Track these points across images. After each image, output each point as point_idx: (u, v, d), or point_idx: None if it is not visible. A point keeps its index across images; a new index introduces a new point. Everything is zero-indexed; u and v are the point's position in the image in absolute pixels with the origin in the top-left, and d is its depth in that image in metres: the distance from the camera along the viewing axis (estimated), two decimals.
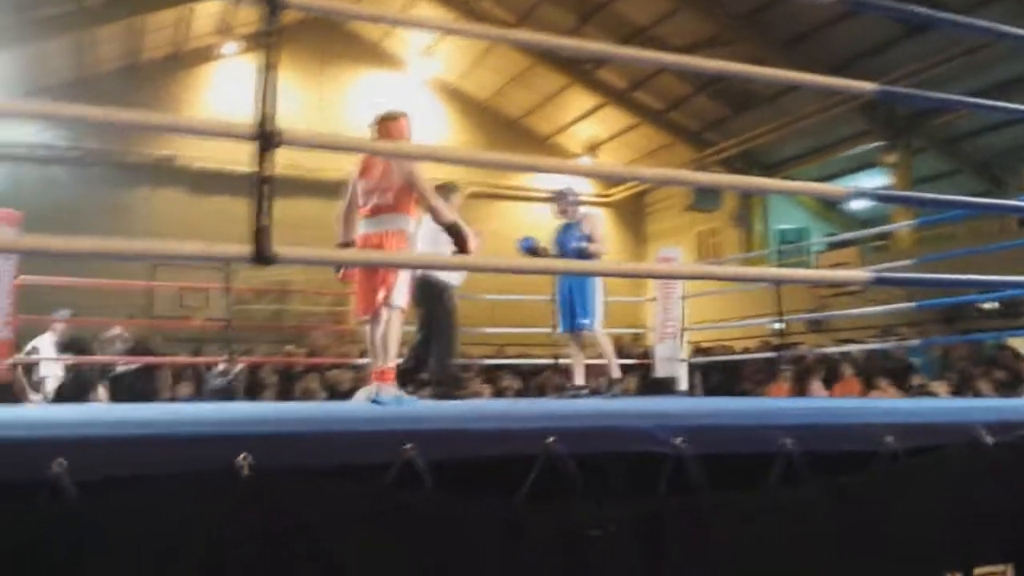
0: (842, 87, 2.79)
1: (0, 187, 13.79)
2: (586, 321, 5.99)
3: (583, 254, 5.98)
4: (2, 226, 5.89)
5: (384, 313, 4.27)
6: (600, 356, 6.26)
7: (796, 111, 13.86)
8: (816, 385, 9.12)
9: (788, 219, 17.20)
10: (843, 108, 13.17)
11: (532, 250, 6.03)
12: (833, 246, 13.59)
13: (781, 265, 14.38)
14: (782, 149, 16.05)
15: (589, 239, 5.98)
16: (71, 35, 13.30)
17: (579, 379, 6.20)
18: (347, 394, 8.96)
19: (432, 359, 5.58)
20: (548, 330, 7.56)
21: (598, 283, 6.02)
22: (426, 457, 1.76)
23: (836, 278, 5.23)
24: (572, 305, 6.02)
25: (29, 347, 7.25)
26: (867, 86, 2.70)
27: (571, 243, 6.03)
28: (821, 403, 5.39)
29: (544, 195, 17.78)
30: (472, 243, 4.33)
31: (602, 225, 6.18)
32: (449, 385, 5.53)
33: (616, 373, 6.19)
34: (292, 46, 15.30)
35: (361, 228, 4.32)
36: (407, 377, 5.70)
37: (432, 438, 1.85)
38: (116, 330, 7.85)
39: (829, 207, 17.60)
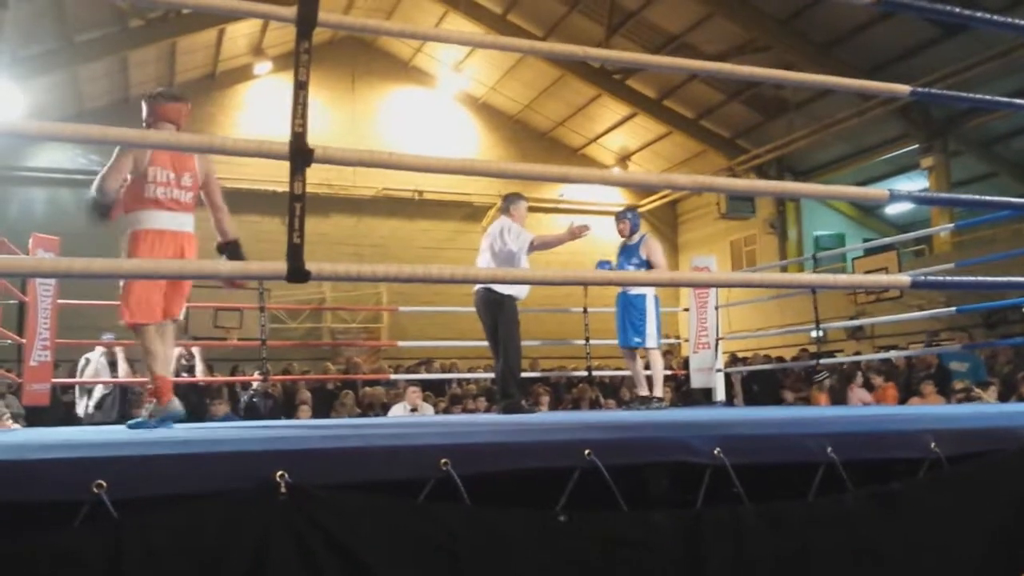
0: (877, 90, 2.76)
1: (39, 211, 14.09)
2: (638, 340, 6.08)
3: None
4: (41, 251, 5.98)
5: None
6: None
7: (830, 116, 13.72)
8: (856, 392, 8.99)
9: (824, 225, 17.01)
10: (878, 112, 13.01)
11: None
12: (871, 252, 13.39)
13: (818, 272, 14.24)
14: (816, 155, 15.89)
15: (648, 265, 6.07)
16: (108, 59, 13.57)
17: (641, 390, 6.28)
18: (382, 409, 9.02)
19: (498, 372, 5.52)
20: (582, 342, 7.55)
21: (651, 303, 6.08)
22: (462, 471, 1.75)
23: (874, 283, 5.15)
24: (626, 323, 6.12)
25: (83, 360, 7.43)
26: (902, 88, 2.67)
27: (627, 265, 6.13)
28: (862, 411, 5.31)
29: (575, 207, 17.86)
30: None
31: (661, 251, 6.22)
32: (516, 397, 5.45)
33: (659, 392, 6.23)
34: (324, 64, 15.47)
35: (161, 222, 3.83)
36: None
37: (468, 452, 1.85)
38: (178, 350, 8.00)
39: (866, 212, 17.38)
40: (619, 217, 6.31)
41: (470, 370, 11.35)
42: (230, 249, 3.97)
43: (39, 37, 11.91)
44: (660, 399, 6.22)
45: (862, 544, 2.01)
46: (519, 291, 5.55)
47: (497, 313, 5.43)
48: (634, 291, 6.02)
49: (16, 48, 10.72)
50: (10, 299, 6.31)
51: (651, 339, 6.06)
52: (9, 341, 5.98)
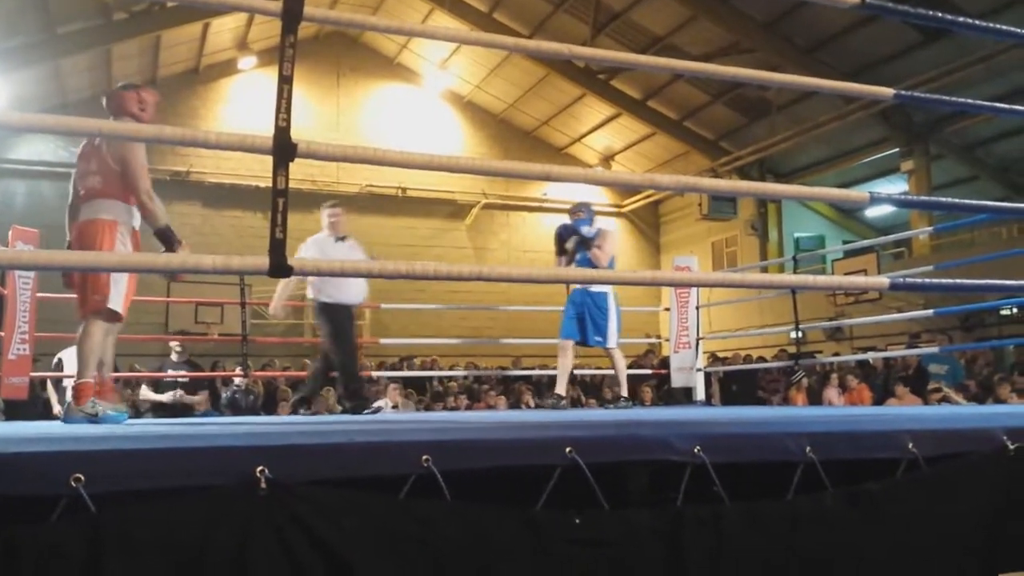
0: (860, 92, 2.78)
1: (20, 204, 13.97)
2: (599, 339, 5.96)
3: (589, 264, 5.94)
4: (21, 244, 5.93)
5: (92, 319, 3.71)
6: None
7: (812, 119, 13.81)
8: (832, 393, 9.06)
9: (805, 227, 17.13)
10: (860, 115, 13.11)
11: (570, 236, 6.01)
12: (850, 254, 13.50)
13: (798, 273, 14.34)
14: (798, 157, 16.01)
15: (596, 244, 5.91)
16: (92, 52, 13.45)
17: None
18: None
19: (339, 374, 5.64)
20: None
21: (612, 301, 5.99)
22: (443, 467, 1.75)
23: (853, 284, 5.20)
24: (586, 321, 5.99)
25: (56, 359, 7.30)
26: (886, 91, 2.69)
27: (582, 256, 6.01)
28: (841, 411, 5.36)
29: (559, 206, 17.88)
30: (181, 251, 3.78)
31: (614, 240, 6.12)
32: (358, 398, 5.58)
33: (624, 391, 6.22)
34: (309, 60, 15.40)
35: (77, 215, 3.77)
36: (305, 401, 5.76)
37: (449, 449, 1.85)
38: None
39: (846, 215, 17.52)
40: (576, 209, 6.21)
41: (451, 367, 11.36)
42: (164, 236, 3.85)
43: (22, 29, 11.79)
44: (627, 399, 6.22)
45: (841, 543, 2.03)
46: (359, 296, 5.78)
47: (344, 318, 5.62)
48: (595, 288, 5.87)
49: None
50: None
51: (612, 338, 5.96)
52: None
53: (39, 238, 6.19)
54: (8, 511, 1.47)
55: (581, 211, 6.10)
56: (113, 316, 3.72)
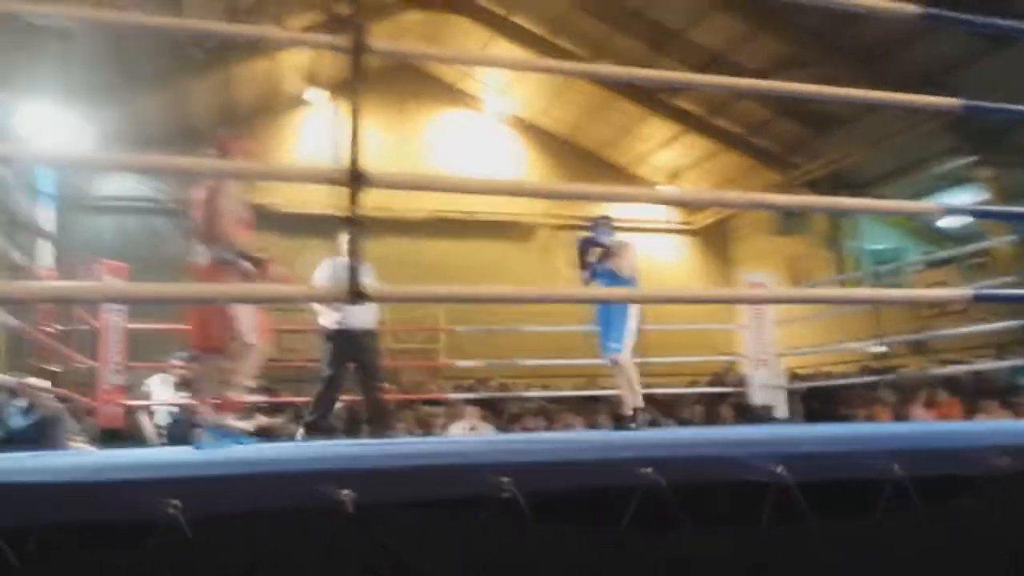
0: (925, 104, 2.72)
1: (107, 238, 14.50)
2: (613, 346, 5.87)
3: (612, 276, 5.90)
4: (112, 277, 6.17)
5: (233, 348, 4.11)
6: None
7: (881, 129, 13.48)
8: (918, 409, 8.79)
9: (880, 239, 16.67)
10: (931, 124, 12.76)
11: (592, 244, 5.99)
12: (930, 265, 13.11)
13: (876, 287, 13.99)
14: (870, 168, 15.61)
15: (618, 277, 5.88)
16: (170, 90, 13.96)
17: (627, 409, 6.07)
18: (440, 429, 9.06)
19: (364, 398, 5.82)
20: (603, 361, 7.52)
21: (631, 310, 5.88)
22: (524, 489, 1.76)
23: (936, 297, 5.04)
24: (605, 330, 5.92)
25: (145, 385, 7.59)
26: (951, 102, 2.63)
27: (605, 275, 5.96)
28: (928, 426, 5.20)
29: (624, 225, 17.76)
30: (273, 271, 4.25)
31: (633, 252, 6.10)
32: (381, 423, 5.67)
33: (639, 403, 6.03)
34: (372, 90, 15.65)
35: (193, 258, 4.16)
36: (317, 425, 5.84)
37: (530, 471, 1.86)
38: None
39: (923, 226, 17.03)
40: (595, 224, 6.23)
41: (527, 388, 11.36)
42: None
43: (103, 70, 12.30)
44: (642, 409, 6.07)
45: (932, 562, 1.97)
46: (372, 320, 5.90)
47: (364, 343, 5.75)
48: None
49: (82, 80, 11.09)
50: (83, 324, 6.52)
51: (627, 349, 5.89)
52: (84, 365, 6.19)
53: (127, 272, 6.43)
54: (107, 537, 1.53)
55: (601, 224, 6.16)
56: (249, 348, 4.06)
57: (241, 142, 4.33)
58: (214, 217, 4.06)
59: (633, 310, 5.88)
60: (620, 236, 6.23)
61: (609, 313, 5.89)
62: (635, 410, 6.02)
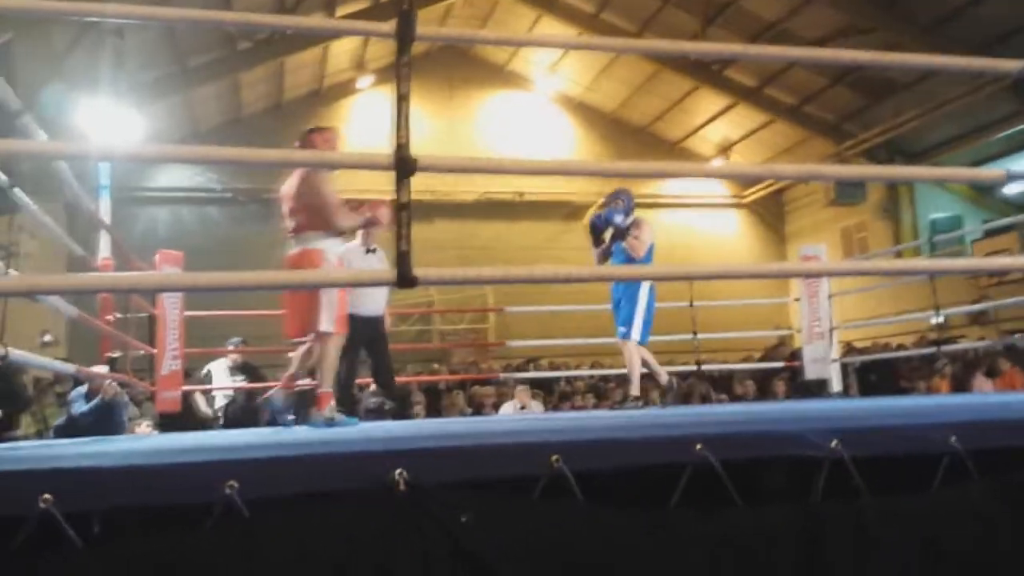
0: (982, 68, 2.65)
1: (163, 228, 14.85)
2: (622, 329, 5.66)
3: (626, 255, 5.68)
4: (168, 266, 6.32)
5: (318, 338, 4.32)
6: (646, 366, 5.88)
7: (941, 95, 13.09)
8: (980, 380, 8.59)
9: (939, 208, 16.24)
10: (991, 89, 12.36)
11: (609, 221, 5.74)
12: (990, 233, 12.75)
13: (935, 257, 13.69)
14: (928, 136, 15.20)
15: (633, 235, 5.65)
16: (220, 81, 14.18)
17: (634, 389, 5.83)
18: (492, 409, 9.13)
19: (376, 381, 5.92)
20: (689, 336, 7.45)
21: (646, 291, 5.66)
22: (574, 468, 1.77)
23: (996, 266, 4.89)
24: (617, 310, 5.74)
25: (204, 370, 7.77)
26: (1009, 64, 2.55)
27: (619, 252, 5.77)
28: (987, 399, 5.09)
29: (675, 202, 17.59)
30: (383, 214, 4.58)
31: (649, 229, 5.79)
32: (395, 407, 5.79)
33: (635, 391, 5.77)
34: (422, 74, 15.71)
35: (289, 250, 4.38)
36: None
37: (579, 449, 1.87)
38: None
39: (983, 193, 16.51)
40: (612, 198, 5.88)
41: (577, 367, 11.36)
42: None
43: (155, 63, 12.54)
44: (637, 397, 5.77)
45: (990, 538, 1.93)
46: (382, 306, 5.96)
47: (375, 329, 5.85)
48: None
49: (134, 75, 11.31)
50: (141, 312, 6.70)
51: (636, 330, 5.62)
52: (143, 352, 6.36)
53: (183, 260, 6.58)
54: (167, 519, 1.58)
55: (619, 199, 5.81)
56: (332, 335, 4.29)
57: (329, 136, 4.39)
58: (309, 207, 4.21)
59: (643, 292, 5.64)
60: (637, 213, 5.90)
61: (619, 294, 5.72)
62: (628, 396, 5.79)
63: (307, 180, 4.16)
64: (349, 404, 5.92)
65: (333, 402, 4.29)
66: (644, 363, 5.82)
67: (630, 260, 5.64)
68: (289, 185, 4.35)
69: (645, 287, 5.65)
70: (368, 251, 5.84)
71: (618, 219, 5.70)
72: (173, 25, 10.50)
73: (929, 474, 1.98)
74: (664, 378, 5.89)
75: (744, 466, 1.90)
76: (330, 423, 4.10)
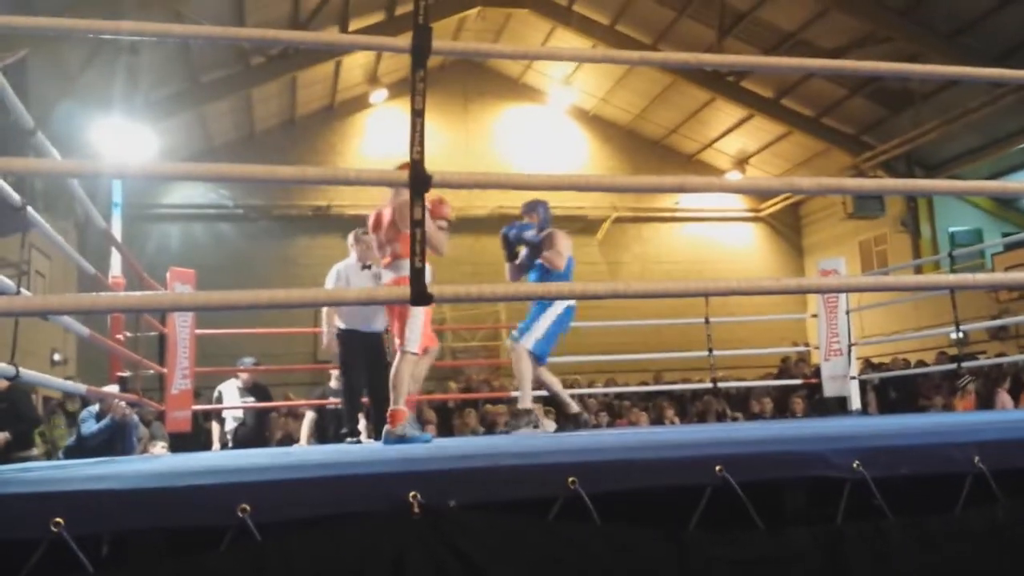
0: (1004, 78, 2.61)
1: (175, 244, 14.92)
2: (515, 333, 5.32)
3: (543, 270, 5.31)
4: (179, 284, 6.32)
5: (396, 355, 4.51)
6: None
7: (960, 106, 13.02)
8: (1004, 397, 8.48)
9: (959, 220, 16.11)
10: (1012, 99, 12.27)
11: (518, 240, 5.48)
12: (1011, 246, 12.62)
13: (955, 270, 13.57)
14: (948, 147, 15.09)
15: (546, 248, 5.31)
16: (233, 97, 14.27)
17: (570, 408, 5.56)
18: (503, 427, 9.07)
19: (370, 398, 5.78)
20: (704, 354, 7.39)
21: (551, 310, 5.29)
22: (591, 490, 1.74)
23: (1017, 281, 4.80)
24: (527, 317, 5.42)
25: (216, 392, 7.72)
26: None
27: (533, 262, 5.45)
28: (1011, 416, 5.00)
29: (692, 215, 17.54)
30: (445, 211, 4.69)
31: (564, 240, 5.36)
32: (383, 422, 5.62)
33: (526, 404, 5.26)
34: (436, 88, 15.76)
35: (383, 278, 4.63)
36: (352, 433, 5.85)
37: (596, 470, 1.83)
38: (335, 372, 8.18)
39: (1004, 205, 16.39)
40: (528, 209, 5.55)
41: (590, 385, 11.31)
42: None
43: (169, 80, 12.63)
44: (528, 411, 5.26)
45: (1015, 559, 1.89)
46: (382, 324, 5.80)
47: (373, 345, 5.80)
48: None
49: (147, 92, 11.39)
50: (152, 331, 6.69)
51: (529, 340, 5.22)
52: (152, 371, 6.35)
53: (194, 278, 6.58)
54: (179, 542, 1.56)
55: (535, 213, 5.49)
56: (409, 354, 4.42)
57: (442, 205, 4.67)
58: (406, 236, 4.15)
59: (553, 312, 5.29)
60: (551, 227, 5.52)
61: (536, 304, 5.42)
62: (516, 412, 5.34)
63: (401, 210, 4.33)
64: (353, 421, 5.90)
65: (406, 419, 4.37)
66: (546, 387, 5.55)
67: (547, 275, 5.26)
68: (381, 217, 4.58)
69: (557, 309, 5.31)
70: (363, 267, 5.85)
71: (529, 235, 5.41)
72: (188, 42, 10.57)
73: (953, 494, 1.94)
74: (527, 403, 5.28)
75: (765, 487, 1.87)
76: (401, 439, 4.19)
